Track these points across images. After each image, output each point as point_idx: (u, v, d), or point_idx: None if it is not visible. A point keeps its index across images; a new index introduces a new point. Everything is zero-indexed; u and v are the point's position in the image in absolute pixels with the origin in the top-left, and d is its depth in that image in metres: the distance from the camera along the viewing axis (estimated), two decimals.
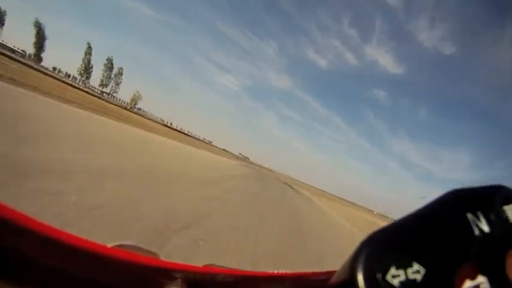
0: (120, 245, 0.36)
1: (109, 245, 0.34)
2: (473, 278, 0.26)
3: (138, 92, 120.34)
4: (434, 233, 0.28)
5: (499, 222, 0.28)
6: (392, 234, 0.29)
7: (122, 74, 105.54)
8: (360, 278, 0.27)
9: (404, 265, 0.27)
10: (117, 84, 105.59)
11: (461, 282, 0.26)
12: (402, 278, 0.26)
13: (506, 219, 0.28)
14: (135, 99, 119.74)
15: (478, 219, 0.28)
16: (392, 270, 0.26)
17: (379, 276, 0.26)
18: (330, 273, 0.34)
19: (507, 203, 0.29)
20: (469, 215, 0.28)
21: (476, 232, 0.28)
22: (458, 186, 0.31)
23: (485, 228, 0.28)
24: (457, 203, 0.29)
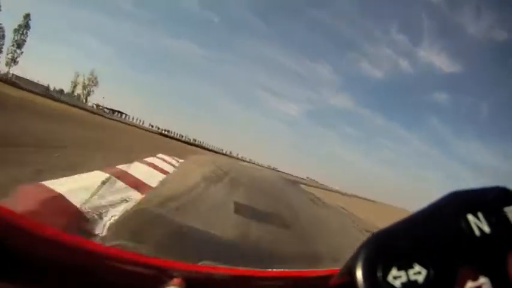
0: (118, 244, 0.35)
1: (107, 244, 0.34)
2: (474, 279, 0.26)
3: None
4: (436, 234, 0.28)
5: (499, 224, 0.28)
6: (393, 235, 0.29)
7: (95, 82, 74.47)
8: (361, 279, 0.27)
9: (405, 266, 0.27)
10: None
11: (463, 283, 0.26)
12: (403, 279, 0.26)
13: (507, 220, 0.28)
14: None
15: (479, 220, 0.28)
16: (394, 272, 0.26)
17: (380, 277, 0.26)
18: (330, 273, 0.34)
19: (508, 205, 0.29)
20: (470, 216, 0.29)
21: (477, 233, 0.28)
22: None
23: (486, 229, 0.28)
24: (458, 205, 0.30)
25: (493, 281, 0.26)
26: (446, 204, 0.30)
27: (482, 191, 0.30)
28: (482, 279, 0.26)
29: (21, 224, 0.28)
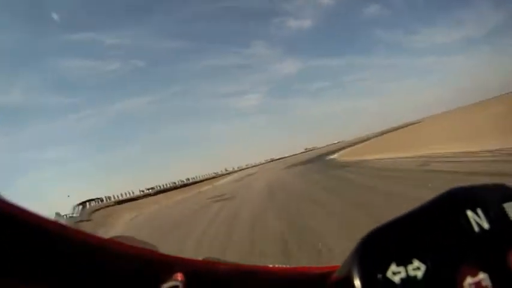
0: (119, 237, 0.35)
1: (108, 237, 0.34)
2: (474, 274, 0.26)
3: None
4: (435, 230, 0.28)
5: (499, 220, 0.29)
6: (393, 231, 0.29)
7: None
8: (360, 274, 0.27)
9: (404, 262, 0.27)
10: None
11: (462, 279, 0.26)
12: (403, 274, 0.26)
13: (506, 216, 0.29)
14: None
15: (478, 216, 0.29)
16: (393, 267, 0.27)
17: (379, 273, 0.27)
18: (331, 269, 0.35)
19: (507, 201, 0.29)
20: (469, 212, 0.29)
21: (476, 229, 0.28)
22: None
23: (485, 225, 0.28)
24: (457, 201, 0.30)
25: (492, 276, 0.26)
26: (445, 201, 0.30)
27: (481, 187, 0.31)
28: (482, 275, 0.26)
29: (23, 217, 0.28)
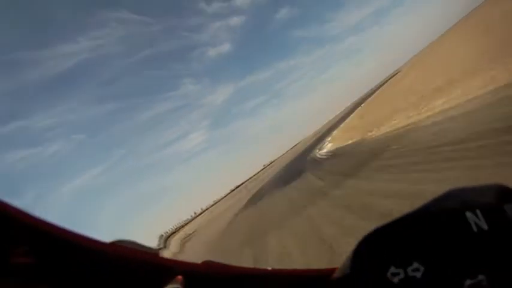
0: (120, 241, 0.36)
1: (108, 241, 0.34)
2: (473, 276, 0.27)
3: None
4: (434, 231, 0.29)
5: (498, 221, 0.29)
6: (392, 232, 0.29)
7: None
8: (360, 275, 0.28)
9: (403, 263, 0.27)
10: None
11: (462, 280, 0.27)
12: (402, 275, 0.27)
13: (506, 217, 0.29)
14: None
15: (477, 217, 0.29)
16: (392, 269, 0.27)
17: (378, 274, 0.27)
18: (331, 270, 0.35)
19: (506, 202, 0.29)
20: (468, 214, 0.29)
21: (476, 230, 0.28)
22: None
23: (484, 226, 0.28)
24: (456, 202, 0.30)
25: (491, 278, 0.26)
26: (444, 202, 0.30)
27: (480, 188, 0.31)
28: (481, 276, 0.26)
29: (21, 220, 0.28)
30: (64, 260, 0.30)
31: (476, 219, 0.29)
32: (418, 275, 0.26)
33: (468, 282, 0.26)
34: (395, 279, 0.26)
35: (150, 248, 0.38)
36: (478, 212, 0.29)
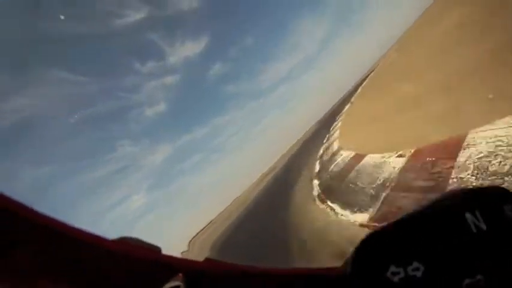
0: (123, 238, 0.37)
1: (112, 238, 0.36)
2: (472, 276, 0.27)
3: None
4: (433, 231, 0.29)
5: (497, 222, 0.29)
6: (392, 232, 0.30)
7: None
8: (360, 275, 0.28)
9: (404, 263, 0.28)
10: None
11: (461, 280, 0.27)
12: (402, 275, 0.27)
13: (505, 218, 0.30)
14: None
15: (477, 218, 0.30)
16: (392, 268, 0.28)
17: (379, 273, 0.27)
18: (331, 270, 0.35)
19: (505, 203, 0.30)
20: (467, 214, 0.30)
21: (474, 231, 0.29)
22: None
23: (483, 226, 0.29)
24: (456, 203, 0.31)
25: (490, 278, 0.27)
26: (444, 203, 0.31)
27: (480, 189, 0.32)
28: (479, 276, 0.27)
29: (26, 215, 0.29)
30: (67, 256, 0.31)
31: (475, 220, 0.29)
32: (418, 274, 0.27)
33: (467, 281, 0.27)
34: (396, 279, 0.27)
35: (152, 246, 0.38)
36: (477, 213, 0.30)
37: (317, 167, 8.69)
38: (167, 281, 0.34)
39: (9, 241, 0.28)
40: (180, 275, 0.35)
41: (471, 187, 0.31)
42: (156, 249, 0.38)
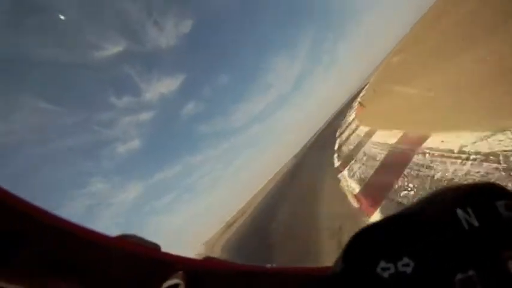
0: (123, 236, 0.37)
1: (111, 236, 0.36)
2: (464, 271, 0.27)
3: None
4: (424, 228, 0.29)
5: (489, 218, 0.29)
6: (383, 228, 0.30)
7: None
8: (350, 270, 0.28)
9: (394, 259, 0.28)
10: None
11: (452, 275, 0.27)
12: (392, 270, 0.27)
13: (496, 214, 0.29)
14: None
15: (468, 215, 0.29)
16: (382, 264, 0.28)
17: (368, 269, 0.28)
18: (324, 269, 0.36)
19: (497, 199, 0.30)
20: (459, 211, 0.30)
21: (466, 227, 0.29)
22: None
23: (475, 223, 0.29)
24: (448, 199, 0.31)
25: (481, 273, 0.27)
26: (436, 199, 0.31)
27: (472, 186, 0.32)
28: (471, 272, 0.27)
29: (27, 212, 0.29)
30: (68, 252, 0.32)
31: (467, 217, 0.29)
32: (408, 270, 0.27)
33: (459, 276, 0.27)
34: (385, 274, 0.27)
35: (152, 243, 0.39)
36: (469, 209, 0.30)
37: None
38: (167, 278, 0.34)
39: (17, 241, 0.29)
40: (180, 272, 0.35)
41: (463, 183, 0.33)
42: (155, 247, 0.39)
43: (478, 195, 0.31)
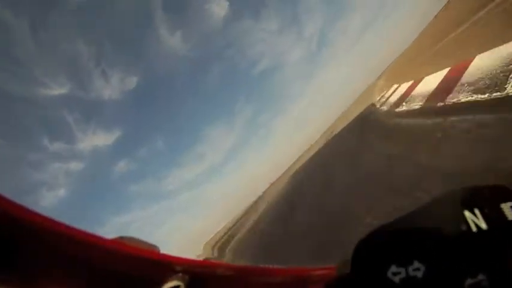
0: (121, 238, 0.36)
1: (110, 238, 0.35)
2: (473, 275, 0.27)
3: None
4: (434, 231, 0.29)
5: (496, 219, 0.29)
6: (392, 232, 0.30)
7: None
8: (360, 274, 0.28)
9: (404, 263, 0.27)
10: None
11: (462, 279, 0.27)
12: (403, 275, 0.27)
13: (504, 216, 0.29)
14: None
15: (476, 216, 0.29)
16: (393, 268, 0.27)
17: (379, 273, 0.27)
18: (331, 269, 0.35)
19: (504, 201, 0.30)
20: (467, 213, 0.29)
21: (474, 229, 0.29)
22: None
23: (483, 225, 0.29)
24: (455, 202, 0.30)
25: (491, 276, 0.27)
26: (443, 202, 0.31)
27: (478, 188, 0.31)
28: (481, 276, 0.27)
29: (23, 216, 0.28)
30: (64, 255, 0.31)
31: (475, 219, 0.29)
32: (419, 274, 0.27)
33: (469, 281, 0.26)
34: (396, 279, 0.27)
35: (151, 245, 0.38)
36: (476, 211, 0.29)
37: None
38: (166, 280, 0.33)
39: (15, 246, 0.28)
40: (180, 274, 0.35)
41: (470, 186, 0.33)
42: (154, 249, 0.38)
43: (485, 197, 0.30)
